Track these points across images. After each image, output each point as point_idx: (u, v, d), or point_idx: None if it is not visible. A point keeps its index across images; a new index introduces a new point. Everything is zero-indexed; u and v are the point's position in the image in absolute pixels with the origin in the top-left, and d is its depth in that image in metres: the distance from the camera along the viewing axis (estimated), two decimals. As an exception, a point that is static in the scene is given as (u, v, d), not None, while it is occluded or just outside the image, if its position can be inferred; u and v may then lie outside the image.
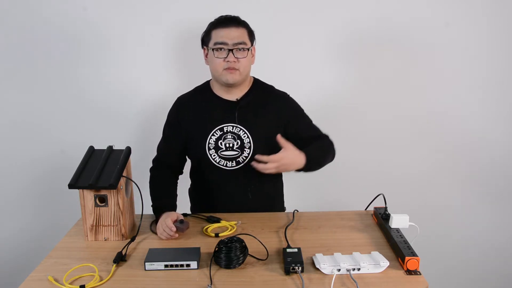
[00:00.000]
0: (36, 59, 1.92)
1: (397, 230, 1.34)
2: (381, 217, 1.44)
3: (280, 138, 1.41)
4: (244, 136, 1.53)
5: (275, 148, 1.58)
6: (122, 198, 1.37)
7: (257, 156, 1.39)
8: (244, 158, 1.54)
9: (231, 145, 1.53)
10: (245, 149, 1.53)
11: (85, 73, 1.94)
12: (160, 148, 1.64)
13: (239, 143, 1.53)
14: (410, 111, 2.03)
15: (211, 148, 1.54)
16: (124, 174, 1.40)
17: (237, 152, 1.54)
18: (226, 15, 1.51)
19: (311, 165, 1.46)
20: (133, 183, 1.48)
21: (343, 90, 1.99)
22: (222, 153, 1.54)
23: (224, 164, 1.55)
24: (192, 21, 1.87)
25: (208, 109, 1.56)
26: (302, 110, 1.63)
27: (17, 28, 1.88)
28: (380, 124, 2.04)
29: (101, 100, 1.98)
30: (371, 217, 1.53)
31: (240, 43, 1.46)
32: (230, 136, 1.53)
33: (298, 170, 1.45)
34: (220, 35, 1.46)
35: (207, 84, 1.62)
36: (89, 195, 1.35)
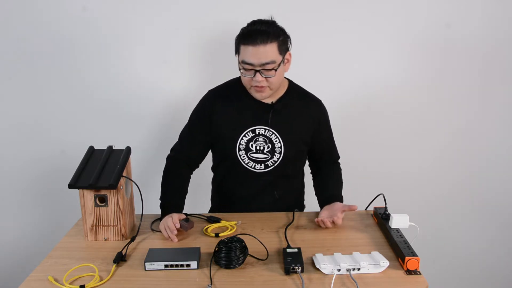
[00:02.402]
0: (36, 59, 1.91)
1: (397, 230, 1.34)
2: (381, 217, 1.44)
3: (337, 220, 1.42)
4: (276, 141, 1.51)
5: (304, 154, 1.61)
6: (122, 198, 1.37)
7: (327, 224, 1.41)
8: (274, 162, 1.53)
9: (261, 148, 1.52)
10: (275, 153, 1.52)
11: (84, 73, 1.94)
12: (183, 137, 1.60)
13: (270, 147, 1.52)
14: (410, 111, 2.03)
15: (242, 149, 1.52)
16: (124, 174, 1.40)
17: (267, 156, 1.52)
18: (257, 25, 1.37)
19: None
20: (133, 183, 1.48)
21: (342, 91, 1.99)
22: (252, 155, 1.52)
23: (253, 166, 1.53)
24: (193, 21, 1.87)
25: (242, 108, 1.52)
26: (329, 123, 1.63)
27: (17, 29, 1.88)
28: (380, 124, 2.04)
29: (101, 100, 1.98)
30: (371, 217, 1.53)
31: (268, 63, 1.37)
32: (261, 139, 1.51)
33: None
34: (247, 53, 1.37)
35: (239, 82, 1.54)
36: (89, 195, 1.35)
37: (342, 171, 1.69)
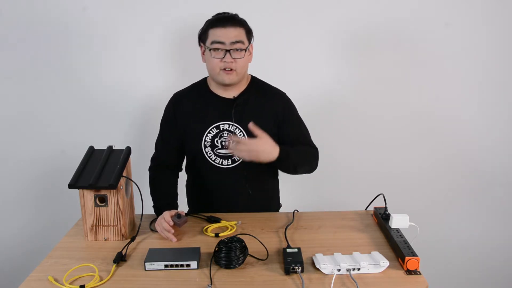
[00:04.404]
0: (36, 58, 1.92)
1: (397, 230, 1.34)
2: (381, 217, 1.44)
3: (253, 127, 1.36)
4: (240, 135, 1.53)
5: None
6: (122, 198, 1.37)
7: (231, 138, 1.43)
8: (239, 156, 1.53)
9: (227, 143, 1.53)
10: None
11: (85, 73, 1.94)
12: (157, 145, 1.65)
13: (234, 141, 1.53)
14: (410, 110, 2.03)
15: (207, 145, 1.54)
16: (124, 174, 1.40)
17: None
18: (224, 13, 1.49)
19: (284, 163, 1.42)
20: (133, 183, 1.48)
21: (343, 90, 1.99)
22: (218, 151, 1.54)
23: (220, 162, 1.55)
24: (191, 20, 1.87)
25: (205, 106, 1.56)
26: (297, 114, 1.62)
27: (16, 28, 1.88)
28: (380, 123, 2.04)
29: (101, 100, 1.98)
30: (371, 217, 1.53)
31: (238, 42, 1.44)
32: (226, 134, 1.53)
33: (271, 164, 1.41)
34: (217, 34, 1.44)
35: (204, 81, 1.62)
36: (89, 195, 1.35)
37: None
